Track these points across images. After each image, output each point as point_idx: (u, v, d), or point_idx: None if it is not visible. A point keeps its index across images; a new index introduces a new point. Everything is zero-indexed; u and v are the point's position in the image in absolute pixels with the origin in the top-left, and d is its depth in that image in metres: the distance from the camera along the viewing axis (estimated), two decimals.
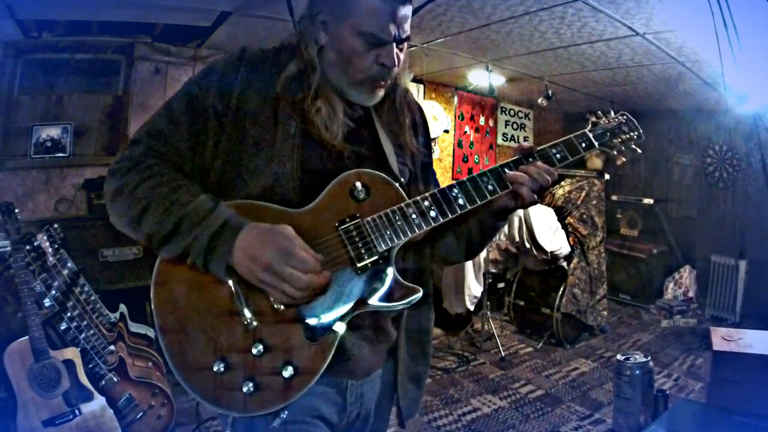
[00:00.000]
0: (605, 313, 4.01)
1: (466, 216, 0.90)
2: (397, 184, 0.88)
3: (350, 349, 0.88)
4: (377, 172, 0.87)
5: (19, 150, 2.91)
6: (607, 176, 4.22)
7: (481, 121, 5.17)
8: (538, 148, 0.92)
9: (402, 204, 0.85)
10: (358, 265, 0.82)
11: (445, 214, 0.86)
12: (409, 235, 0.84)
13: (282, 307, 0.79)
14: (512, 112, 5.48)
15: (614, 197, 5.11)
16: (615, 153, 0.99)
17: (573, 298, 3.73)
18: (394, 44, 0.86)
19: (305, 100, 0.87)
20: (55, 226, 2.04)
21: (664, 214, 5.01)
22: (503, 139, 5.40)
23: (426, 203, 0.86)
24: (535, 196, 0.88)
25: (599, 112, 0.99)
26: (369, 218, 0.84)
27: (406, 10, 0.85)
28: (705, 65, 3.27)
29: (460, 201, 0.87)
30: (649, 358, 2.40)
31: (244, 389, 0.76)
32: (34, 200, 2.96)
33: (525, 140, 5.59)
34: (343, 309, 0.81)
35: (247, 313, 0.77)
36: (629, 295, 4.83)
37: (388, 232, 0.84)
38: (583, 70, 3.87)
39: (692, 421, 1.81)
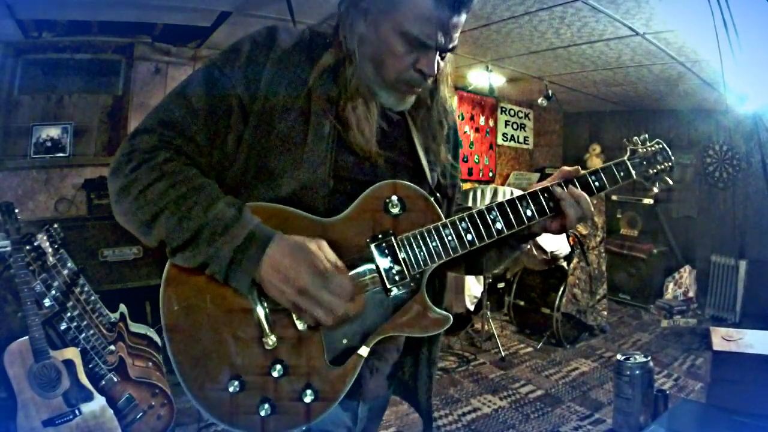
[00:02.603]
0: (605, 313, 4.01)
1: None
2: (433, 200, 0.81)
3: (364, 371, 0.83)
4: (415, 186, 0.80)
5: (19, 150, 2.91)
6: None
7: (481, 121, 5.17)
8: (578, 175, 0.88)
9: (438, 224, 0.79)
10: (389, 286, 0.76)
11: (481, 237, 0.80)
12: (444, 258, 0.78)
13: (305, 326, 0.73)
14: (512, 112, 5.48)
15: (614, 197, 5.11)
16: (649, 183, 0.96)
17: (573, 298, 3.73)
18: (437, 52, 0.78)
19: (341, 97, 0.78)
20: (55, 226, 2.04)
21: (664, 214, 5.00)
22: (503, 139, 5.40)
23: (463, 225, 0.80)
24: (575, 223, 0.84)
25: (636, 138, 0.95)
26: (402, 236, 0.77)
27: (460, 19, 0.76)
28: (705, 65, 3.27)
29: (498, 225, 0.82)
30: (649, 358, 2.40)
31: (261, 412, 0.71)
32: (34, 200, 2.96)
33: (525, 141, 5.59)
34: (370, 332, 0.76)
35: (268, 331, 0.72)
36: (629, 295, 4.82)
37: (422, 254, 0.77)
38: (583, 70, 3.87)
39: (692, 421, 1.81)
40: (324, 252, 0.70)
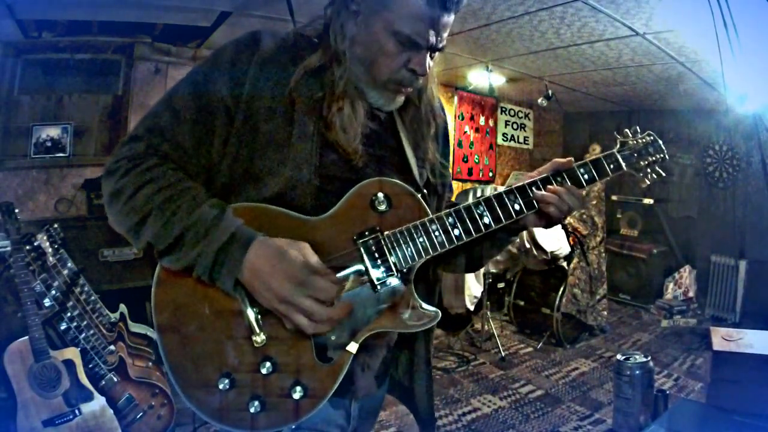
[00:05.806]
0: (605, 313, 4.01)
1: None
2: (419, 196, 0.82)
3: (354, 368, 0.84)
4: (401, 183, 0.81)
5: (19, 150, 2.90)
6: None
7: (481, 121, 5.17)
8: (567, 168, 0.88)
9: (425, 219, 0.80)
10: (376, 283, 0.76)
11: (469, 232, 0.81)
12: (431, 253, 0.79)
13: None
14: (512, 112, 5.48)
15: (614, 197, 5.11)
16: (641, 175, 0.94)
17: (573, 298, 3.73)
18: (428, 51, 0.79)
19: (325, 98, 0.79)
20: (55, 226, 2.04)
21: (664, 214, 5.01)
22: (503, 139, 5.40)
23: (450, 220, 0.80)
24: (562, 217, 0.84)
25: (627, 131, 0.94)
26: (389, 232, 0.78)
27: (449, 18, 0.78)
28: (705, 65, 3.27)
29: (486, 220, 0.82)
30: (649, 358, 2.39)
31: (251, 409, 0.72)
32: (34, 200, 2.95)
33: (525, 141, 5.60)
34: (359, 328, 0.76)
35: (257, 329, 0.72)
36: (629, 295, 4.83)
37: (409, 250, 0.78)
38: (583, 70, 3.87)
39: (692, 421, 1.81)
40: (306, 256, 0.70)
